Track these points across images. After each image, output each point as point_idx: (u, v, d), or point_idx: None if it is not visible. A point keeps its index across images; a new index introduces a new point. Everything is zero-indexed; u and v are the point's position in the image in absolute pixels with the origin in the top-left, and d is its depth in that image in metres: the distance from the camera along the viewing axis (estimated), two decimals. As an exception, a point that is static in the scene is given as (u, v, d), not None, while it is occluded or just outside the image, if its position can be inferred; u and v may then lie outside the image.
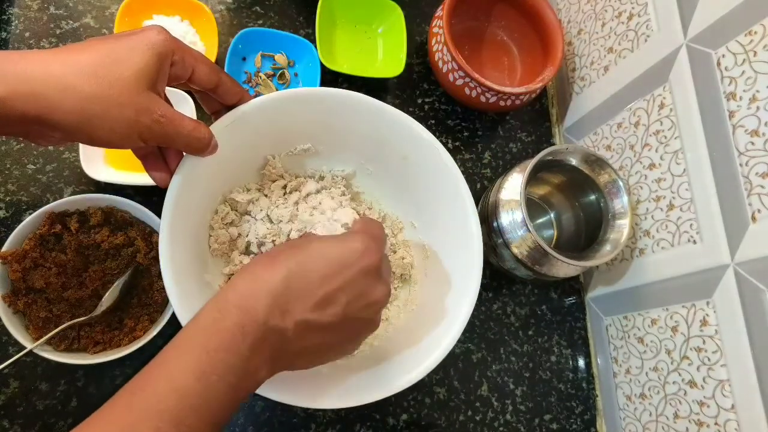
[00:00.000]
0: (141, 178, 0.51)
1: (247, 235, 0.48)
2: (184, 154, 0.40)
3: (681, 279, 0.50)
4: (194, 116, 0.53)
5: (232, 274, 0.48)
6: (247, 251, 0.48)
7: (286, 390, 0.38)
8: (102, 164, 0.51)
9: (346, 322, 0.33)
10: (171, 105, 0.40)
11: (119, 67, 0.32)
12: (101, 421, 0.27)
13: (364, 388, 0.40)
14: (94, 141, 0.33)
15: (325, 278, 0.32)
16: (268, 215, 0.49)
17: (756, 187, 0.43)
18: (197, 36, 0.58)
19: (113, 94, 0.32)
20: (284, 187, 0.51)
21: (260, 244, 0.47)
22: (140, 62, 0.33)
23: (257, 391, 0.36)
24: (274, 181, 0.51)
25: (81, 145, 0.49)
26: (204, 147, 0.38)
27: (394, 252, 0.52)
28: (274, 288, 0.31)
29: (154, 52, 0.33)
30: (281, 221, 0.48)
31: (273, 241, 0.47)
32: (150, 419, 0.26)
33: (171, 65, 0.35)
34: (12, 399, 0.44)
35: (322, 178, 0.53)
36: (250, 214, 0.49)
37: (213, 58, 0.57)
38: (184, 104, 0.53)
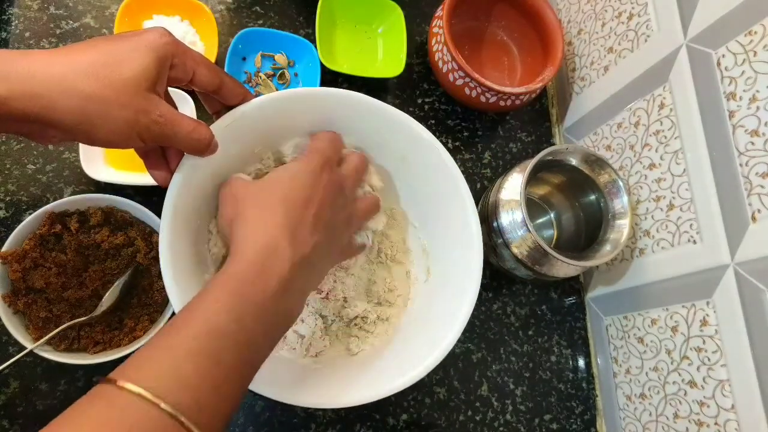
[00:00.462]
0: (141, 178, 0.51)
1: None
2: (185, 153, 0.40)
3: (681, 279, 0.50)
4: (194, 116, 0.53)
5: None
6: None
7: (287, 390, 0.38)
8: (102, 164, 0.51)
9: (336, 229, 0.39)
10: (174, 105, 0.40)
11: (120, 68, 0.32)
12: (144, 361, 0.28)
13: (364, 388, 0.40)
14: (93, 140, 0.33)
15: (307, 198, 0.37)
16: None
17: (756, 187, 0.43)
18: (197, 36, 0.58)
19: (113, 95, 0.32)
20: None
21: None
22: (141, 64, 0.33)
23: (257, 391, 0.36)
24: None
25: (81, 145, 0.49)
26: (204, 147, 0.38)
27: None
28: (281, 222, 0.34)
29: (155, 54, 0.34)
30: None
31: None
32: (190, 356, 0.27)
33: (171, 68, 0.35)
34: (12, 399, 0.44)
35: None
36: None
37: (213, 58, 0.57)
38: (184, 104, 0.53)
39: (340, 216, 0.40)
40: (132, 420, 0.25)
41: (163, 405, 0.25)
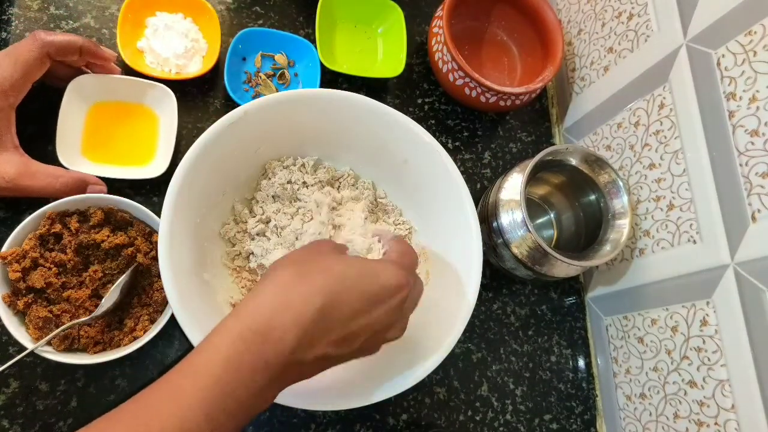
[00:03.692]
0: (117, 170, 0.51)
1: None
2: (180, 149, 0.40)
3: (681, 279, 0.50)
4: (175, 111, 0.52)
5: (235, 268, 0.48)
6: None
7: (288, 392, 0.38)
8: (78, 155, 0.51)
9: (355, 352, 0.33)
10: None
11: None
12: None
13: (365, 390, 0.40)
14: None
15: (354, 314, 0.31)
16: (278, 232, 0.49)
17: (756, 187, 0.43)
18: (200, 33, 0.58)
19: None
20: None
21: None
22: None
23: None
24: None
25: (57, 134, 0.49)
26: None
27: None
28: (306, 321, 0.29)
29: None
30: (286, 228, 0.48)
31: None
32: None
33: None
34: (12, 399, 0.44)
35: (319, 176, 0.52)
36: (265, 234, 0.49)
37: (215, 56, 0.57)
38: (167, 99, 0.53)
39: (373, 345, 0.34)
40: None
41: None
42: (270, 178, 0.50)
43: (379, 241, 0.47)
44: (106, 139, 0.52)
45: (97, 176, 0.49)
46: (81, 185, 0.47)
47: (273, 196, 0.50)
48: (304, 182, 0.51)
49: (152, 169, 0.51)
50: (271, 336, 0.28)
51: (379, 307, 0.32)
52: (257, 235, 0.48)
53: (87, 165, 0.51)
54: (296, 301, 0.29)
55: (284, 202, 0.50)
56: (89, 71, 0.51)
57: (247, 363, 0.27)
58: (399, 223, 0.53)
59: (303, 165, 0.51)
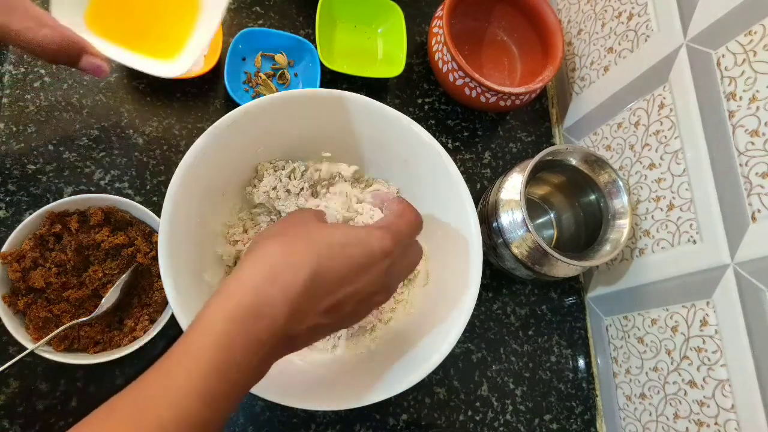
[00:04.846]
0: (128, 57, 0.42)
1: None
2: (181, 147, 0.40)
3: (681, 279, 0.50)
4: (225, 5, 0.45)
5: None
6: None
7: (288, 392, 0.38)
8: (80, 24, 0.40)
9: (345, 319, 0.33)
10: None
11: None
12: None
13: (365, 390, 0.40)
14: None
15: (341, 282, 0.30)
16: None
17: (756, 187, 0.43)
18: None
19: None
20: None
21: None
22: None
23: (258, 393, 0.36)
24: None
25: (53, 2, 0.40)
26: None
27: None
28: (294, 293, 0.28)
29: None
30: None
31: None
32: None
33: None
34: (12, 399, 0.44)
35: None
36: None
37: (216, 56, 0.57)
38: None
39: (362, 310, 0.34)
40: None
41: None
42: (256, 186, 0.49)
43: (381, 210, 0.45)
44: (122, 11, 0.41)
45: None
46: (72, 49, 0.37)
47: (258, 204, 0.49)
48: (288, 190, 0.49)
49: (174, 67, 0.42)
50: (262, 313, 0.27)
51: (366, 273, 0.31)
52: (257, 235, 0.48)
53: (88, 38, 0.40)
54: (283, 273, 0.28)
55: (271, 211, 0.50)
56: None
57: (240, 344, 0.27)
58: None
59: (293, 171, 0.50)
